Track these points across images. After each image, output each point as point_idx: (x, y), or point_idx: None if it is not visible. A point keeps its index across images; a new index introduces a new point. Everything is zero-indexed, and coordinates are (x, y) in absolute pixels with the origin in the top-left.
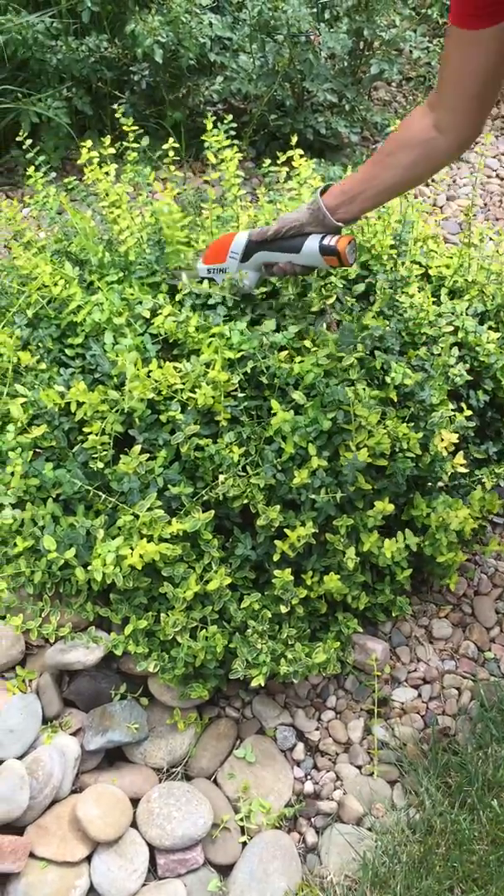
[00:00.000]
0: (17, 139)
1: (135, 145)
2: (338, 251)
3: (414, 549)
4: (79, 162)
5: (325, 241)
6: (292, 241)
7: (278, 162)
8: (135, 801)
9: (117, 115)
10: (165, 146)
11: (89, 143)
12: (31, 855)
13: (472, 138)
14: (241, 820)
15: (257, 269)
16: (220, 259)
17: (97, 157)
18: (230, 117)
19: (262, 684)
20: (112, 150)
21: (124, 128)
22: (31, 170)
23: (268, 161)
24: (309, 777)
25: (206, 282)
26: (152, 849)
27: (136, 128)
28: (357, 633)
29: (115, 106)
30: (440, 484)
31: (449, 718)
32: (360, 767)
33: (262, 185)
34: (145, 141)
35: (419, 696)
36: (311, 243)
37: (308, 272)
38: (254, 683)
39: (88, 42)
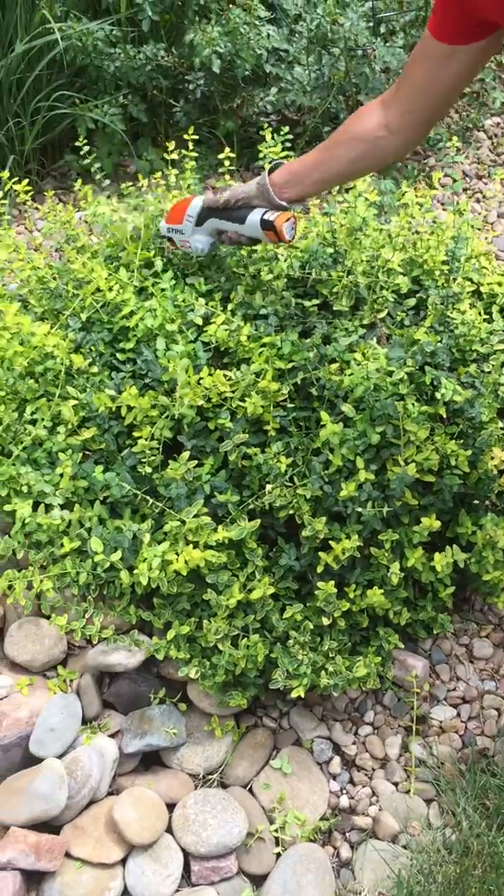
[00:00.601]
0: (74, 144)
1: (193, 154)
2: (275, 226)
3: (461, 565)
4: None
5: (266, 216)
6: (239, 211)
7: None
8: (170, 807)
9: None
10: (221, 156)
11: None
12: (67, 855)
13: (419, 141)
14: (276, 831)
15: (211, 235)
16: (178, 220)
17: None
18: (286, 129)
19: (302, 696)
20: (175, 156)
21: (184, 136)
22: (79, 182)
23: None
24: (345, 791)
25: (257, 294)
26: (186, 855)
27: (196, 137)
28: (397, 649)
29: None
30: (487, 502)
31: (488, 739)
32: (396, 784)
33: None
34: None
35: (458, 715)
36: (254, 216)
37: (253, 244)
38: (294, 694)
39: (146, 50)
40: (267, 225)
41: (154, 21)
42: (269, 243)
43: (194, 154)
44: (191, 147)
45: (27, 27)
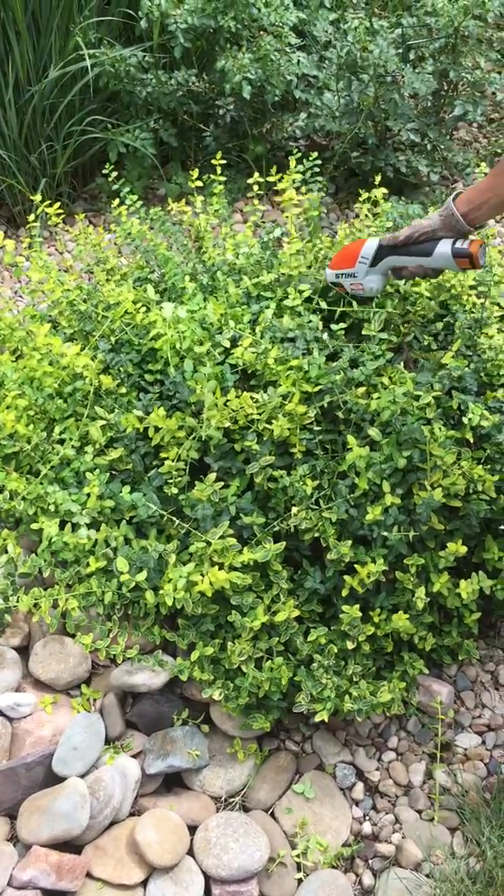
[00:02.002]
0: (104, 170)
1: (222, 178)
2: (470, 253)
3: (487, 591)
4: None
5: (458, 245)
6: (423, 245)
7: (361, 199)
8: (191, 829)
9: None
10: (250, 181)
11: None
12: (88, 875)
13: None
14: (298, 856)
15: (384, 274)
16: (348, 264)
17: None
18: (315, 154)
19: (326, 720)
20: (199, 183)
21: (213, 161)
22: (115, 202)
23: (358, 203)
24: (367, 818)
25: (285, 317)
26: (207, 878)
27: (224, 161)
28: (422, 675)
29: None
30: None
31: None
32: (420, 812)
33: (343, 221)
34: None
35: (483, 743)
36: (444, 247)
37: (437, 274)
38: (317, 718)
39: (177, 76)
40: (461, 253)
41: (186, 48)
42: (458, 271)
43: (223, 178)
44: (219, 171)
45: (61, 53)
